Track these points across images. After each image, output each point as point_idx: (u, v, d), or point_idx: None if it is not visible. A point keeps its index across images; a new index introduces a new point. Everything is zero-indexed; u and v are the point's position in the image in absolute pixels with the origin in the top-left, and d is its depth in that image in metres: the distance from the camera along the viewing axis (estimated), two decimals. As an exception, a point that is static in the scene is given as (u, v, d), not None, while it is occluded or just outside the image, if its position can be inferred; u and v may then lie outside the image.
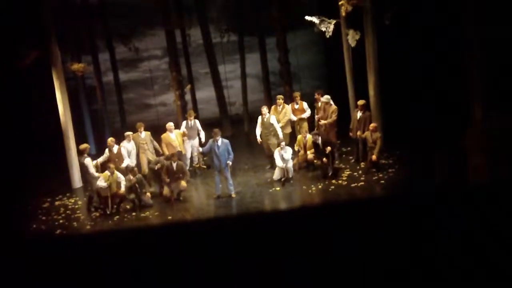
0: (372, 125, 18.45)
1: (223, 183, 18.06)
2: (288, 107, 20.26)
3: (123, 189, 17.83)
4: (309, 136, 18.88)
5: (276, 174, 18.49)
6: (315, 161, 18.70)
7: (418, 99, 20.64)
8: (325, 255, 11.40)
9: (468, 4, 16.25)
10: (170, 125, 20.07)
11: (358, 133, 18.78)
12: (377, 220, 12.28)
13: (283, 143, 18.48)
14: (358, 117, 19.00)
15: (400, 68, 21.04)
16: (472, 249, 10.85)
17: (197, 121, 20.68)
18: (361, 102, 19.11)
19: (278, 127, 19.43)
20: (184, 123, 20.60)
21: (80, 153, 18.77)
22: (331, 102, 19.92)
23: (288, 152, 18.30)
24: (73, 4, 24.77)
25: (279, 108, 20.15)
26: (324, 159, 18.18)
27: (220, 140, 17.86)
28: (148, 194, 18.32)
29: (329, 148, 18.15)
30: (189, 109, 23.46)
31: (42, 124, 22.04)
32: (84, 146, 18.88)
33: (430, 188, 15.91)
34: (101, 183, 17.79)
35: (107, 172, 17.91)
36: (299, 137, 19.42)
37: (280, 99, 20.32)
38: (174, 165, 18.18)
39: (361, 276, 11.02)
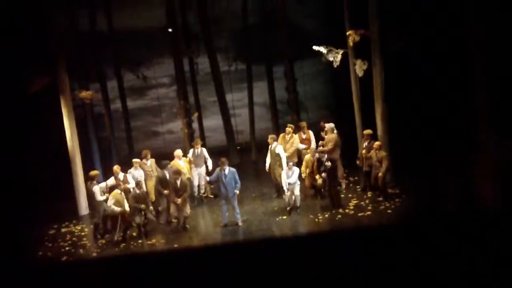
0: (377, 143, 18.56)
1: (230, 212, 18.03)
2: (296, 137, 20.23)
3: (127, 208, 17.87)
4: (317, 155, 18.82)
5: (287, 201, 18.41)
6: (322, 189, 18.65)
7: (425, 128, 20.64)
8: (330, 283, 11.36)
9: (476, 30, 16.32)
10: (179, 152, 20.13)
11: (363, 151, 18.81)
12: (383, 249, 12.24)
13: (291, 163, 18.41)
14: (364, 146, 19.03)
15: (407, 96, 21.07)
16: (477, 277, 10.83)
17: (204, 149, 20.67)
18: (367, 131, 19.17)
19: (284, 157, 19.36)
20: (191, 151, 20.61)
21: (90, 179, 18.74)
22: (334, 131, 19.91)
23: (295, 173, 18.20)
24: (82, 32, 24.91)
25: (287, 137, 20.12)
26: (323, 173, 18.13)
27: (227, 169, 17.86)
28: (151, 207, 18.55)
29: (329, 163, 18.06)
30: (196, 137, 23.54)
31: (49, 151, 22.08)
32: (94, 172, 18.86)
33: (438, 218, 15.90)
34: (112, 205, 17.75)
35: (117, 191, 17.92)
36: (307, 156, 19.26)
37: (289, 127, 20.28)
38: (178, 182, 18.18)
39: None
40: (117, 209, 17.69)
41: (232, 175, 17.88)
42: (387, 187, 18.44)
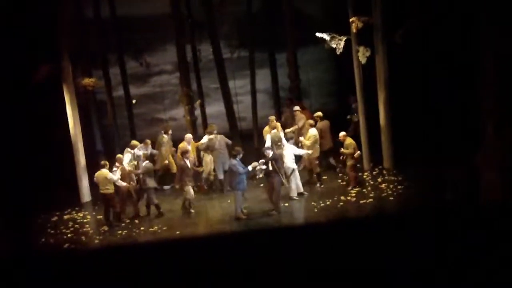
0: (341, 134, 19.01)
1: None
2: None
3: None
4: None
5: (293, 192, 18.50)
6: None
7: (428, 115, 20.60)
8: (331, 271, 11.33)
9: (483, 20, 16.20)
10: (189, 136, 20.29)
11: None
12: (384, 237, 12.19)
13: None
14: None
15: (411, 84, 21.02)
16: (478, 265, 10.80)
17: (222, 136, 20.60)
18: (317, 114, 20.39)
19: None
20: (205, 137, 20.42)
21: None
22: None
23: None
24: (85, 19, 24.88)
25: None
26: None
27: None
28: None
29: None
30: (199, 124, 23.58)
31: (52, 138, 22.07)
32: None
33: (440, 205, 15.86)
34: (120, 182, 18.28)
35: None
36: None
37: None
38: (188, 161, 18.49)
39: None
40: (123, 183, 18.37)
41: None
42: (354, 176, 18.78)
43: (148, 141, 20.79)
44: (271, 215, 17.47)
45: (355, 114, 21.43)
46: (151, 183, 18.46)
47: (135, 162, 19.06)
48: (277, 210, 17.51)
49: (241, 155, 17.75)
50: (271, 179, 17.62)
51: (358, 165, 19.19)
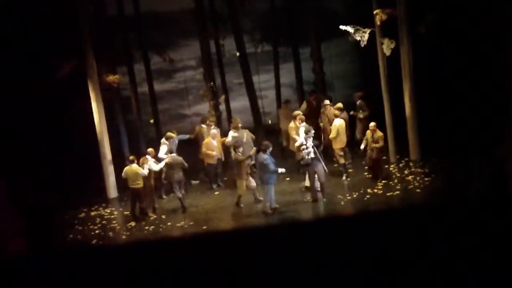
0: (372, 124, 18.85)
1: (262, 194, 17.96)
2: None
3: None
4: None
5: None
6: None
7: (454, 107, 20.44)
8: (357, 265, 11.28)
9: (506, 11, 16.07)
10: (214, 132, 20.28)
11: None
12: (412, 230, 12.13)
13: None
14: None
15: (436, 76, 20.86)
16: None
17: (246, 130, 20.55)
18: (338, 105, 20.25)
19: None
20: (231, 133, 20.38)
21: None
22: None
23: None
24: (109, 16, 24.97)
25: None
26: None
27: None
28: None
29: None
30: (224, 118, 23.60)
31: (78, 134, 22.20)
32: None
33: (467, 197, 15.74)
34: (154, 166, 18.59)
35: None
36: None
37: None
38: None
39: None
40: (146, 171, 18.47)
41: None
42: (383, 168, 18.85)
43: (174, 131, 20.93)
44: (312, 202, 17.87)
45: (360, 111, 21.27)
46: (176, 175, 18.55)
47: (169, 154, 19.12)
48: (324, 195, 17.88)
49: (270, 149, 17.62)
50: (314, 167, 17.71)
51: (384, 157, 19.14)
